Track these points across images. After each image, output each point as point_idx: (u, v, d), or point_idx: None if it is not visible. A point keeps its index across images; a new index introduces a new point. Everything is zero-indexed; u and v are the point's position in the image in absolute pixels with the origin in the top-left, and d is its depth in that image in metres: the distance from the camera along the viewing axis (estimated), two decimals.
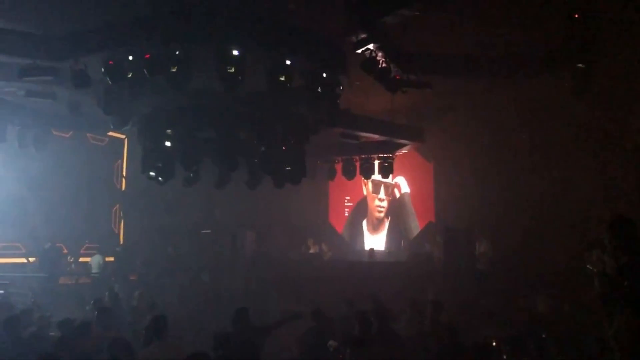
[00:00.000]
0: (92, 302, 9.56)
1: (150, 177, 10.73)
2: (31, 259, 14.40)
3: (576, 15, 7.74)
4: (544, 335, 6.27)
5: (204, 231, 17.11)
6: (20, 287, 12.72)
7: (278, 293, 13.08)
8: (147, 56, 8.19)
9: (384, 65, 9.52)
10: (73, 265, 15.72)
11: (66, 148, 16.03)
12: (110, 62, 8.40)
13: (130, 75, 8.48)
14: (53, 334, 7.77)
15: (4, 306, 9.95)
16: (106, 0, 8.22)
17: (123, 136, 17.81)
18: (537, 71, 10.14)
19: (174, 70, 8.12)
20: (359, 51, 9.22)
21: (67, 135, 16.03)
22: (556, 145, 12.61)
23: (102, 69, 8.53)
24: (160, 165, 10.54)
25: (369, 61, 9.30)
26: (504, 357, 6.30)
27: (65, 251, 15.66)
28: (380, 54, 9.32)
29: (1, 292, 11.79)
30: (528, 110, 12.64)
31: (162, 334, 6.00)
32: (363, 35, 8.99)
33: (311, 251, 16.42)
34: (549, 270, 11.00)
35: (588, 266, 8.48)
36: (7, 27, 8.99)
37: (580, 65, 8.98)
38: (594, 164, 11.83)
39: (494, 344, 6.46)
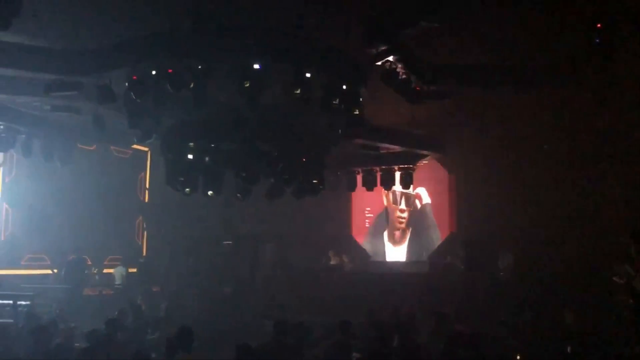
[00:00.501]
0: (115, 313, 9.66)
1: (176, 189, 10.87)
2: (55, 270, 14.58)
3: (599, 25, 7.67)
4: (569, 350, 6.18)
5: (225, 242, 17.21)
6: (45, 298, 12.91)
7: (299, 304, 13.10)
8: (170, 71, 8.32)
9: (404, 76, 9.53)
10: (97, 277, 15.91)
11: (90, 161, 16.29)
12: (134, 77, 8.55)
13: (153, 90, 8.61)
14: (78, 345, 7.86)
15: (31, 317, 10.12)
16: (128, 16, 8.40)
17: (146, 149, 18.04)
18: (560, 81, 10.06)
19: (195, 84, 8.23)
20: (379, 63, 9.25)
21: (92, 148, 16.28)
22: (580, 156, 12.47)
23: (126, 84, 8.69)
24: (183, 177, 10.66)
25: (389, 73, 9.33)
26: None
27: (89, 263, 15.87)
28: (400, 65, 9.34)
29: (27, 302, 11.97)
30: (551, 120, 12.53)
31: (187, 346, 6.04)
32: (383, 48, 9.02)
33: (332, 262, 16.38)
34: (573, 282, 10.85)
35: (614, 278, 8.38)
36: (32, 43, 9.23)
37: (602, 74, 8.90)
38: (619, 174, 11.68)
39: (518, 357, 6.39)
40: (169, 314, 10.11)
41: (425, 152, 15.02)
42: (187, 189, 11.07)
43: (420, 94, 10.08)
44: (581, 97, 9.67)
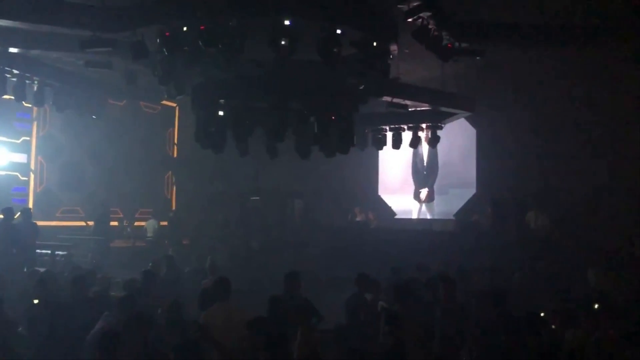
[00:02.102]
0: (149, 264, 9.98)
1: (206, 146, 11.02)
2: (89, 223, 15.03)
3: None
4: (596, 307, 6.26)
5: (253, 198, 17.47)
6: (81, 248, 13.38)
7: (325, 259, 13.35)
8: (202, 27, 8.33)
9: (435, 33, 9.40)
10: (129, 229, 16.37)
11: (121, 116, 16.57)
12: (167, 34, 8.60)
13: (185, 47, 8.66)
14: (114, 294, 8.19)
15: (70, 266, 10.55)
16: None
17: (174, 105, 18.21)
18: (594, 40, 9.81)
19: (227, 41, 8.25)
20: (410, 20, 9.13)
21: (121, 104, 16.52)
22: (614, 118, 12.24)
23: (158, 40, 8.74)
24: (213, 134, 10.81)
25: (421, 30, 9.19)
26: (552, 327, 6.35)
27: (121, 215, 16.31)
28: (432, 22, 9.20)
29: (64, 253, 12.44)
30: (583, 81, 12.29)
31: (225, 296, 6.26)
32: (415, 4, 8.88)
33: (357, 219, 16.58)
34: (601, 245, 10.85)
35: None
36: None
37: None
38: None
39: (542, 314, 6.48)
40: (201, 266, 10.39)
41: (454, 111, 14.88)
42: (214, 146, 11.20)
43: (451, 52, 9.94)
44: (619, 60, 9.42)
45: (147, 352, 5.30)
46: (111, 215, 14.90)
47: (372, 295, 7.79)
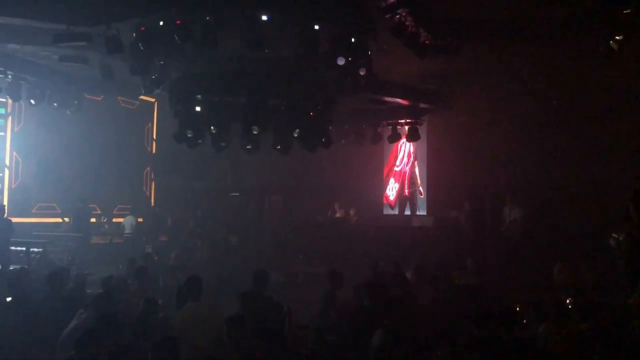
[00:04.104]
0: (126, 260, 9.90)
1: (184, 141, 10.96)
2: (66, 219, 14.85)
3: None
4: (568, 302, 6.36)
5: (232, 194, 17.42)
6: (57, 245, 13.22)
7: (302, 255, 13.37)
8: (178, 22, 8.27)
9: (413, 30, 9.43)
10: (106, 226, 16.22)
11: (98, 111, 16.36)
12: (142, 28, 8.52)
13: (161, 41, 8.59)
14: (90, 291, 8.11)
15: (45, 263, 10.43)
16: None
17: (153, 100, 18.06)
18: (571, 36, 9.91)
19: (203, 36, 8.20)
20: (388, 16, 9.14)
21: (99, 99, 16.32)
22: (590, 112, 12.40)
23: (134, 35, 8.66)
24: (191, 129, 10.75)
25: (399, 26, 9.21)
26: (524, 321, 6.43)
27: (99, 211, 16.14)
28: (409, 18, 9.22)
29: (40, 249, 12.27)
30: (560, 76, 12.42)
31: (197, 295, 6.23)
32: (392, 0, 8.90)
33: (337, 215, 16.59)
34: (572, 238, 11.01)
35: (613, 235, 8.51)
36: None
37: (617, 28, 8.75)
38: (629, 131, 11.65)
39: (517, 308, 6.57)
40: (179, 263, 10.34)
41: (432, 107, 14.97)
42: (192, 141, 11.15)
43: (429, 48, 9.98)
44: (594, 51, 9.52)
45: (123, 350, 5.25)
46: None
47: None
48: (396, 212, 17.05)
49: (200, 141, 11.16)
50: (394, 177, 17.50)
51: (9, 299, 7.10)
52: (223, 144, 12.08)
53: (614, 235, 8.37)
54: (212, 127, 11.08)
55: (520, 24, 9.90)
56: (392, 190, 17.42)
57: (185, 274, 8.80)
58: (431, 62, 10.63)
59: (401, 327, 5.60)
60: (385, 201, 17.44)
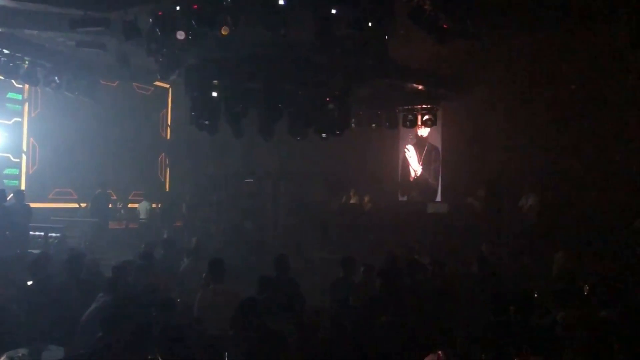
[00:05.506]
0: (142, 246, 9.94)
1: (199, 127, 10.96)
2: (83, 204, 14.96)
3: None
4: (586, 287, 6.30)
5: (247, 180, 17.43)
6: (74, 230, 13.33)
7: (316, 241, 13.38)
8: (195, 7, 8.24)
9: (431, 14, 9.31)
10: (122, 211, 16.32)
11: (113, 97, 16.39)
12: (160, 13, 8.50)
13: (178, 27, 8.57)
14: (107, 275, 8.16)
15: (63, 247, 10.52)
16: None
17: (167, 86, 18.07)
18: (594, 22, 9.74)
19: (220, 21, 8.17)
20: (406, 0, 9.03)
21: (114, 85, 16.36)
22: (611, 99, 12.22)
23: (151, 20, 8.64)
24: (207, 115, 10.74)
25: (416, 10, 9.10)
26: (543, 308, 6.38)
27: (114, 197, 16.24)
28: (428, 2, 9.11)
29: (58, 235, 12.38)
30: (581, 62, 12.25)
31: (219, 277, 6.26)
32: None
33: (352, 202, 16.55)
34: (590, 226, 10.90)
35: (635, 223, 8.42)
36: None
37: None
38: None
39: (536, 295, 6.53)
40: (199, 247, 10.36)
41: (449, 92, 14.82)
42: (209, 128, 11.14)
43: (447, 33, 9.85)
44: (617, 37, 9.36)
45: (140, 332, 5.31)
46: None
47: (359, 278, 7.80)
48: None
49: (219, 128, 11.14)
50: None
51: (29, 283, 7.19)
52: (240, 130, 12.06)
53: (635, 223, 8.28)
54: (228, 113, 11.06)
55: (542, 8, 9.73)
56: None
57: (206, 259, 8.91)
58: (448, 47, 10.49)
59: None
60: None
